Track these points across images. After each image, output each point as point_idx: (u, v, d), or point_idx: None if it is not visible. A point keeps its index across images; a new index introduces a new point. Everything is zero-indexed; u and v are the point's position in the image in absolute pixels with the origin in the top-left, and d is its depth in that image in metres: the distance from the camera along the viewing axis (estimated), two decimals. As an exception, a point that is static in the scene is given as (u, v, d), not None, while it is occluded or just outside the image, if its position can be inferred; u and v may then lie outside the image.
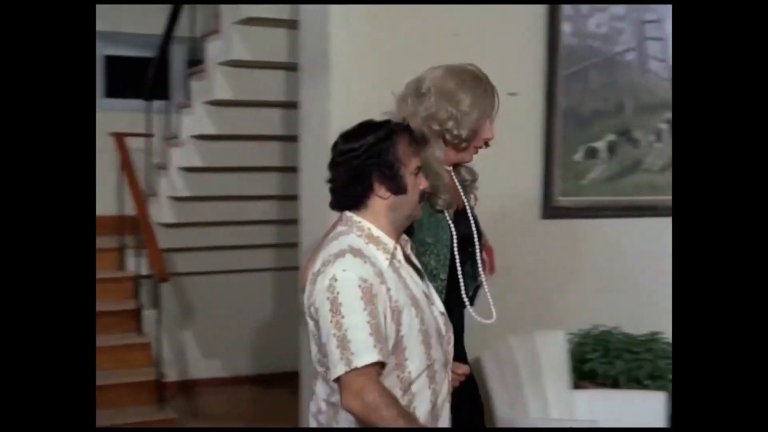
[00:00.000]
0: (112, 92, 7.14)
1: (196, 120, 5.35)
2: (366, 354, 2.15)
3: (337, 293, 2.17)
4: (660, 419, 3.79)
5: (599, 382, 4.02)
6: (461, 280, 2.64)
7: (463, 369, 2.52)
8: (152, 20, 6.20)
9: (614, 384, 4.02)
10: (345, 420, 2.27)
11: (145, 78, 5.93)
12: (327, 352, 2.20)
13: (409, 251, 2.43)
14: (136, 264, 5.99)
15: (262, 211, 6.01)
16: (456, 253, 2.62)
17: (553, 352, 3.92)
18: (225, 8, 5.01)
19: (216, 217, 5.94)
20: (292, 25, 4.45)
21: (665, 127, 4.53)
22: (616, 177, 4.43)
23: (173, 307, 6.26)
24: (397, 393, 2.25)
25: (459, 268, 2.63)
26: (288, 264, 5.60)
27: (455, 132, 2.58)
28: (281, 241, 6.16)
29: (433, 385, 2.33)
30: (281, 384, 5.93)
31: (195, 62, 5.61)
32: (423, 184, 2.36)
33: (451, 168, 2.73)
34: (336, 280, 2.18)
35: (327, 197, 3.84)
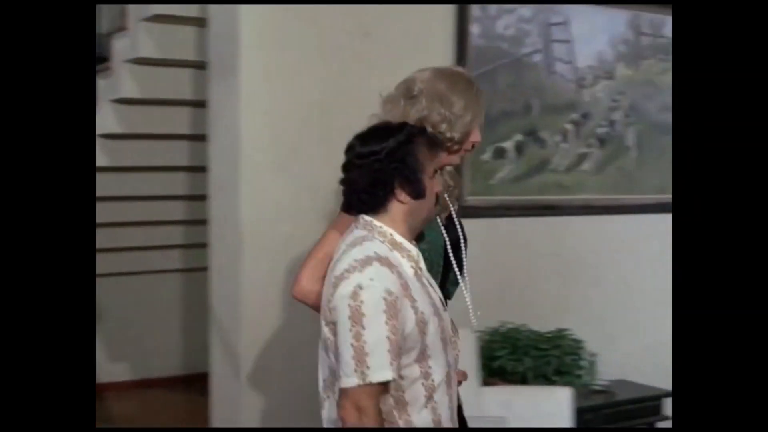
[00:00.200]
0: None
1: (102, 118, 5.24)
2: (381, 371, 2.11)
3: (361, 302, 2.11)
4: (567, 413, 3.88)
5: (508, 378, 4.08)
6: (446, 285, 2.65)
7: (461, 372, 2.52)
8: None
9: (523, 380, 4.09)
10: None
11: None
12: (340, 359, 2.14)
13: None
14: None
15: (171, 212, 5.93)
16: (451, 258, 2.62)
17: (462, 350, 3.96)
18: (132, 5, 4.93)
19: (123, 217, 5.84)
20: (200, 23, 4.39)
21: (571, 128, 4.63)
22: (524, 177, 4.50)
23: (79, 309, 6.12)
24: (422, 401, 2.23)
25: (458, 274, 2.63)
26: (197, 265, 5.53)
27: (448, 135, 2.54)
28: (190, 241, 6.08)
29: (449, 390, 2.32)
30: (191, 386, 5.86)
31: (101, 60, 5.50)
32: (437, 187, 2.35)
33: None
34: (361, 288, 2.12)
35: (235, 197, 3.84)
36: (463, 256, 2.70)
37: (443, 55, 4.16)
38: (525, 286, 4.47)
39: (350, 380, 2.11)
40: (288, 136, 3.83)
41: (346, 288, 2.14)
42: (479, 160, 4.31)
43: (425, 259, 2.45)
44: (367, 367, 2.10)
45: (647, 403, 4.49)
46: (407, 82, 2.61)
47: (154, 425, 5.48)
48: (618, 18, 4.75)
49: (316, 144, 3.88)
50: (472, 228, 4.24)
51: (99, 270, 5.99)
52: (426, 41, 4.14)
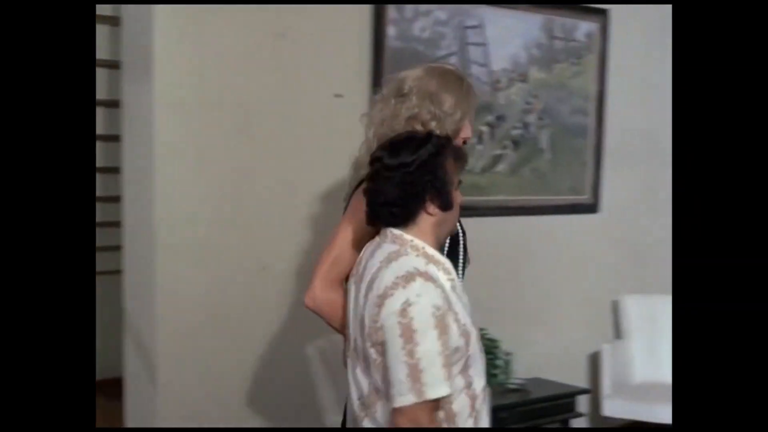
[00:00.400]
0: None
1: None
2: (438, 387, 2.09)
3: (411, 319, 2.09)
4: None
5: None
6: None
7: None
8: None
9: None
10: None
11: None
12: (393, 377, 2.11)
13: None
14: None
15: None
16: (461, 261, 2.63)
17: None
18: (42, 3, 4.83)
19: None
20: (114, 21, 4.33)
21: (486, 130, 4.68)
22: (440, 178, 4.53)
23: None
24: (467, 411, 2.22)
25: (460, 276, 2.62)
26: (110, 268, 5.43)
27: (438, 132, 2.55)
28: (104, 244, 5.96)
29: (487, 397, 2.31)
30: (105, 391, 5.76)
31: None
32: (460, 198, 2.33)
33: None
34: (410, 305, 2.09)
35: (149, 198, 3.78)
36: (460, 257, 2.70)
37: (360, 57, 4.17)
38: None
39: (406, 398, 2.08)
40: (203, 137, 3.79)
41: (393, 306, 2.11)
42: (396, 162, 4.32)
43: None
44: (423, 384, 2.07)
45: (562, 401, 4.57)
46: (398, 81, 2.61)
47: None
48: (531, 22, 4.82)
49: (232, 145, 3.85)
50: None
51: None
52: (342, 42, 4.14)
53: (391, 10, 4.25)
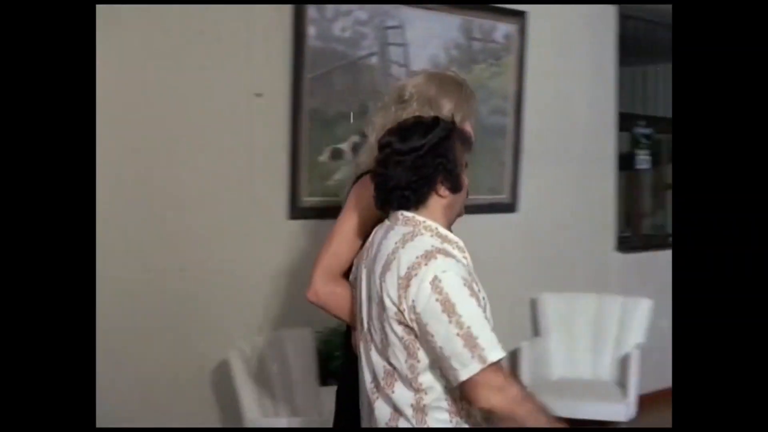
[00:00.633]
0: None
1: None
2: (495, 349, 2.11)
3: (446, 293, 2.11)
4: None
5: (346, 378, 4.11)
6: None
7: None
8: None
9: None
10: (435, 421, 2.20)
11: None
12: (450, 353, 2.11)
13: None
14: None
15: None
16: None
17: (301, 350, 3.97)
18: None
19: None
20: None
21: (406, 130, 4.70)
22: (361, 178, 4.54)
23: None
24: None
25: None
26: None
27: None
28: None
29: None
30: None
31: None
32: (467, 180, 2.39)
33: None
34: (440, 280, 2.12)
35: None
36: None
37: (280, 57, 4.16)
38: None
39: (471, 368, 2.09)
40: (122, 135, 3.74)
41: (422, 285, 2.13)
42: (316, 162, 4.33)
43: None
44: (483, 349, 2.10)
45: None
46: (399, 88, 2.67)
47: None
48: (451, 23, 4.87)
49: (151, 144, 3.81)
50: (309, 229, 4.28)
51: None
52: (263, 42, 4.13)
53: (312, 10, 4.25)
